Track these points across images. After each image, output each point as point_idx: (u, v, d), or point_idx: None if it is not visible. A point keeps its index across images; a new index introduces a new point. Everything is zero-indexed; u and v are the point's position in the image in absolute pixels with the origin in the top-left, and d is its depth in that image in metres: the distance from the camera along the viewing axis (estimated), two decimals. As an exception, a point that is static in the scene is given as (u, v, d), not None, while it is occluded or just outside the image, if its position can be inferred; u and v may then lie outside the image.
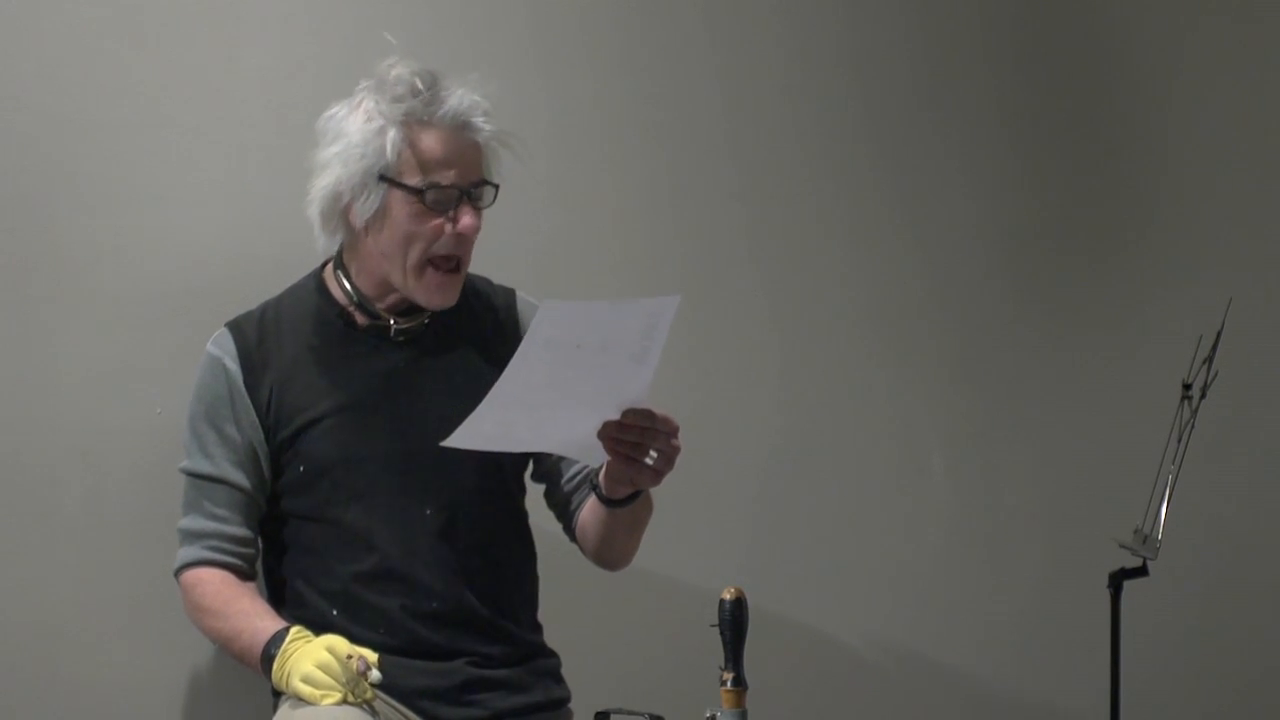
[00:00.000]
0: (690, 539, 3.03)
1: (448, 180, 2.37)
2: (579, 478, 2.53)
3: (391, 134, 2.36)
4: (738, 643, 2.14)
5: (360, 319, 2.45)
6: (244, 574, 2.41)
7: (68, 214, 2.68)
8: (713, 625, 2.15)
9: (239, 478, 2.40)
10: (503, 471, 2.49)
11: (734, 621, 2.15)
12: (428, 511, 2.40)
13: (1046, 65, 3.41)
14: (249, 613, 2.33)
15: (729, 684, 2.13)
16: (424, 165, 2.37)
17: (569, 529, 2.57)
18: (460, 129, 2.39)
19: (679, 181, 3.12)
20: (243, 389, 2.41)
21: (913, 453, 3.31)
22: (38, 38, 2.68)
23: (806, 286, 3.22)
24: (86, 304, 2.69)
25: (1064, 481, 3.40)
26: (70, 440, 2.68)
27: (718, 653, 2.15)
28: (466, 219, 2.38)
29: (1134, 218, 3.46)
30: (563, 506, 2.56)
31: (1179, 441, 2.78)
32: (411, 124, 2.37)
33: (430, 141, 2.38)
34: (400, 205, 2.37)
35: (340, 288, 2.46)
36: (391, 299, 2.44)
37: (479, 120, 2.41)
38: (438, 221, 2.38)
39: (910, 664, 3.29)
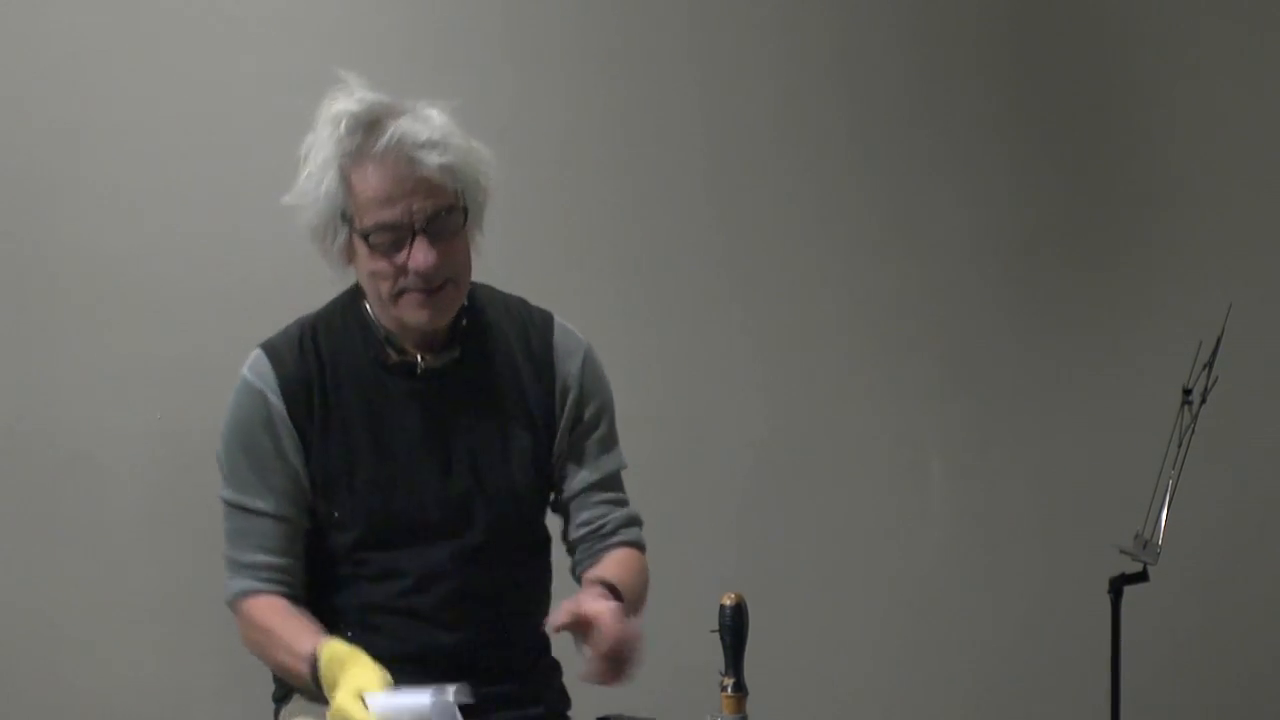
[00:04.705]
0: (691, 544, 3.03)
1: (391, 218, 2.23)
2: (587, 530, 2.47)
3: (333, 174, 2.25)
4: (738, 648, 2.13)
5: (391, 355, 2.35)
6: (295, 599, 2.34)
7: (67, 218, 2.69)
8: (713, 630, 2.14)
9: (282, 509, 2.33)
10: (530, 509, 2.44)
11: (734, 627, 2.14)
12: (449, 553, 2.37)
13: (1043, 73, 3.41)
14: (294, 634, 2.26)
15: (729, 689, 2.12)
16: (367, 205, 2.24)
17: (574, 570, 2.54)
18: (401, 162, 2.23)
19: (674, 189, 3.12)
20: (288, 420, 2.32)
21: (913, 459, 3.31)
22: (39, 44, 2.68)
23: (804, 295, 3.22)
24: (86, 308, 2.69)
25: (1064, 487, 3.40)
26: (70, 444, 2.68)
27: (718, 658, 2.14)
28: (419, 256, 2.24)
29: (1133, 224, 3.46)
30: (569, 547, 2.54)
31: (1179, 447, 2.78)
32: (351, 163, 2.24)
33: (371, 179, 2.24)
34: (359, 246, 2.27)
35: (370, 319, 2.36)
36: (413, 334, 2.34)
37: (423, 153, 2.24)
38: (398, 259, 2.25)
39: (911, 669, 3.28)
